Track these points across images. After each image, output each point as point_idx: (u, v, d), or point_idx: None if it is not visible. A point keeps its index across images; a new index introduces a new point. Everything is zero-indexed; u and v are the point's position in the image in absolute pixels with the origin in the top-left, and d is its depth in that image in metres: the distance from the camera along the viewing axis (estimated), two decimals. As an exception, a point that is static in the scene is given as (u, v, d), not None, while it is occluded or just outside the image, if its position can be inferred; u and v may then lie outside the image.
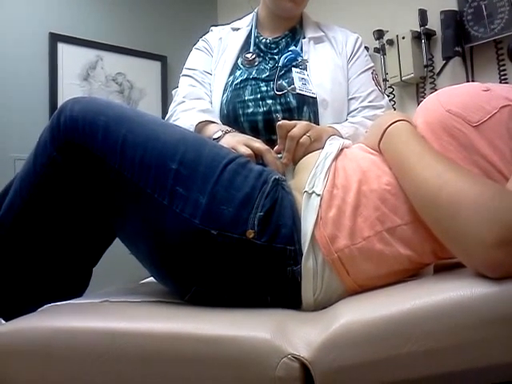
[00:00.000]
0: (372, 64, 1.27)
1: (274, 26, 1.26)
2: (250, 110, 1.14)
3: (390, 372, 0.56)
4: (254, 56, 1.20)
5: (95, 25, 2.52)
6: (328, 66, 1.20)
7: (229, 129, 1.08)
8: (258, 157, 0.98)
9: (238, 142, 0.98)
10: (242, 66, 1.21)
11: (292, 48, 1.20)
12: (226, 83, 1.20)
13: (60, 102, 2.29)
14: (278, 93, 1.14)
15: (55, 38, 2.38)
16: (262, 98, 1.15)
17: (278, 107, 1.14)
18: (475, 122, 0.71)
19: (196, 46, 1.33)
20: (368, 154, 0.80)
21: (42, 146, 0.82)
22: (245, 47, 1.25)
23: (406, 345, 0.54)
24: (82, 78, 2.47)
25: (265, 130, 1.13)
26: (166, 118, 1.26)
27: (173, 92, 1.30)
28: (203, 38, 1.33)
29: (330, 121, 1.14)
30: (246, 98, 1.15)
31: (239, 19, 1.32)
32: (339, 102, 1.18)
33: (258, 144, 0.99)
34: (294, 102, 1.13)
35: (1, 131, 2.19)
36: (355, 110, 1.20)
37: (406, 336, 0.55)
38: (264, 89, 1.16)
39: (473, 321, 0.53)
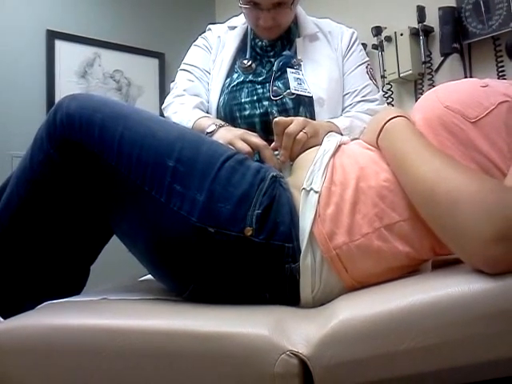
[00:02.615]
0: (367, 58, 1.27)
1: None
2: (247, 112, 1.15)
3: (388, 368, 0.56)
4: (250, 63, 1.20)
5: (93, 22, 2.50)
6: (323, 64, 1.20)
7: (222, 123, 1.07)
8: (254, 151, 0.97)
9: (235, 137, 0.98)
10: (238, 70, 1.21)
11: (285, 52, 1.20)
12: (223, 85, 1.20)
13: (57, 100, 2.27)
14: (274, 98, 1.14)
15: (52, 35, 2.37)
16: (259, 100, 1.15)
17: (275, 108, 1.14)
18: (473, 118, 0.70)
19: (195, 43, 1.32)
20: (366, 150, 0.80)
21: (38, 143, 0.81)
22: (241, 49, 1.24)
23: (405, 341, 0.55)
24: (80, 75, 2.46)
25: (262, 131, 1.13)
26: (163, 107, 1.26)
27: (171, 85, 1.30)
28: (203, 35, 1.33)
29: (326, 118, 1.14)
30: (243, 101, 1.16)
31: (236, 16, 1.32)
32: (335, 99, 1.18)
33: (256, 139, 0.98)
34: (290, 103, 1.14)
35: (-2, 129, 2.18)
36: (349, 105, 1.20)
37: (405, 332, 0.55)
38: (260, 91, 1.16)
39: (471, 316, 0.54)
